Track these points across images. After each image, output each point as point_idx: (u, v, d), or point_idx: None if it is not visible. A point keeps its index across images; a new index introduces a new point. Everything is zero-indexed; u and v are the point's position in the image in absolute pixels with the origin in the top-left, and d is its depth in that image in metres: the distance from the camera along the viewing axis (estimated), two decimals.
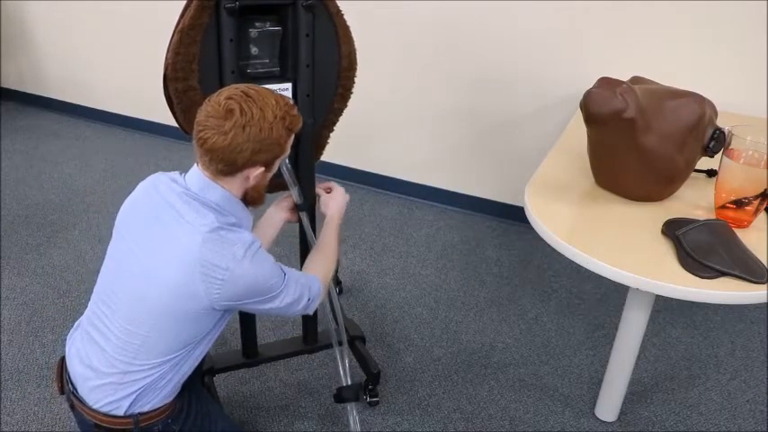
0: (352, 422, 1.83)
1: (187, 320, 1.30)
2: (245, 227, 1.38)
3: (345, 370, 1.84)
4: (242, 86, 1.30)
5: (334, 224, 1.66)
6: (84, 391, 1.36)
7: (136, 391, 1.33)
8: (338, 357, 1.85)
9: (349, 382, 1.84)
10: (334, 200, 1.69)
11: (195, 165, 1.35)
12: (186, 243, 1.25)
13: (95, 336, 1.36)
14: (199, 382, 1.54)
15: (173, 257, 1.26)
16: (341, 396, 1.83)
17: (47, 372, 2.09)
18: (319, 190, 1.73)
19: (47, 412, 1.95)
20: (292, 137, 1.35)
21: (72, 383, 1.39)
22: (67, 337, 1.45)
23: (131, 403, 1.33)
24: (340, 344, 1.86)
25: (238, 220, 1.35)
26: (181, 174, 1.38)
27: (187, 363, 1.38)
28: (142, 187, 1.40)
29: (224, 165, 1.28)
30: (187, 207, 1.29)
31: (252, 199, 1.41)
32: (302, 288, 1.40)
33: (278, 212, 1.71)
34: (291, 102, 1.34)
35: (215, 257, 1.24)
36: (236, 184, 1.33)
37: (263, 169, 1.32)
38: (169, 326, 1.30)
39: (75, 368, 1.38)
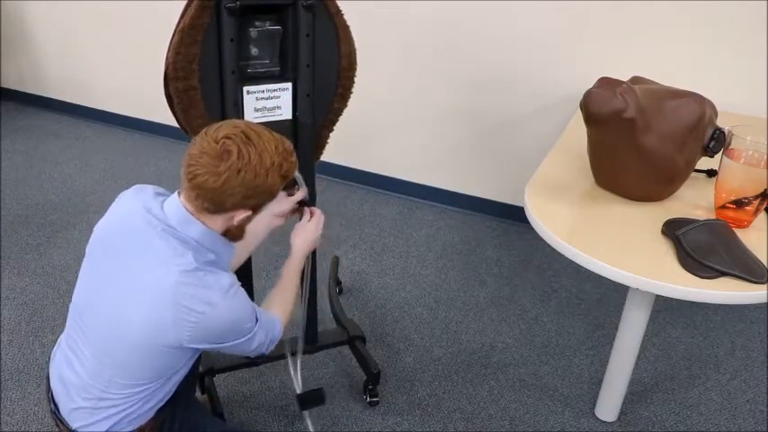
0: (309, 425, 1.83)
1: (158, 356, 1.26)
2: (225, 260, 1.33)
3: (298, 379, 1.82)
4: (242, 125, 1.22)
5: (297, 260, 1.56)
6: (64, 411, 1.35)
7: (112, 415, 1.31)
8: (290, 366, 1.82)
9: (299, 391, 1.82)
10: (304, 232, 1.58)
11: (176, 194, 1.28)
12: (160, 283, 1.20)
13: (72, 359, 1.34)
14: (187, 390, 1.51)
15: (145, 295, 1.21)
16: (305, 402, 1.81)
17: (47, 372, 2.09)
18: (305, 213, 1.63)
19: (47, 412, 1.95)
20: (285, 183, 1.29)
21: (54, 402, 1.38)
22: (51, 355, 1.43)
23: (111, 426, 1.32)
24: (293, 354, 1.83)
25: (218, 256, 1.30)
26: (159, 196, 1.32)
27: (164, 390, 1.36)
28: (118, 213, 1.33)
29: (210, 204, 1.22)
30: (164, 244, 1.22)
31: (233, 236, 1.34)
32: (267, 333, 1.37)
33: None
34: (291, 147, 1.27)
35: (189, 301, 1.19)
36: (218, 223, 1.27)
37: (249, 213, 1.27)
38: (141, 360, 1.26)
39: (56, 388, 1.37)
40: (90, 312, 1.31)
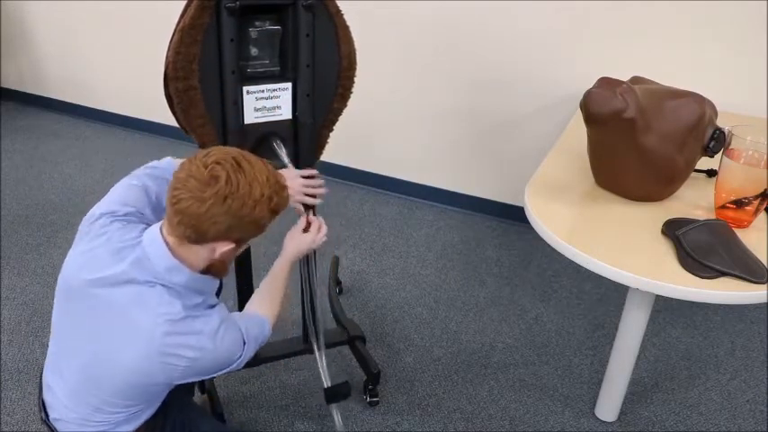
0: (337, 420, 1.83)
1: (145, 392, 1.27)
2: (209, 293, 1.28)
3: (324, 372, 1.82)
4: (235, 152, 1.16)
5: (286, 263, 1.52)
6: (54, 420, 1.35)
7: (101, 429, 1.31)
8: (318, 360, 1.82)
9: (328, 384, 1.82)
10: (298, 239, 1.54)
11: (158, 228, 1.21)
12: (147, 332, 1.15)
13: (58, 377, 1.33)
14: (182, 392, 1.51)
15: (131, 343, 1.17)
16: (332, 396, 1.82)
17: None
18: (302, 219, 1.59)
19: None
20: (274, 219, 1.22)
21: (45, 411, 1.37)
22: (44, 365, 1.41)
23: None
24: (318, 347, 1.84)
25: (205, 295, 1.26)
26: (129, 225, 1.26)
27: (150, 409, 1.36)
28: (90, 259, 1.24)
29: (192, 232, 1.14)
30: (151, 292, 1.17)
31: (216, 270, 1.27)
32: (256, 337, 1.36)
33: None
34: (284, 182, 1.22)
35: (178, 349, 1.17)
36: (201, 254, 1.20)
37: (233, 246, 1.20)
38: (128, 394, 1.26)
39: (47, 399, 1.36)
40: (67, 359, 1.29)
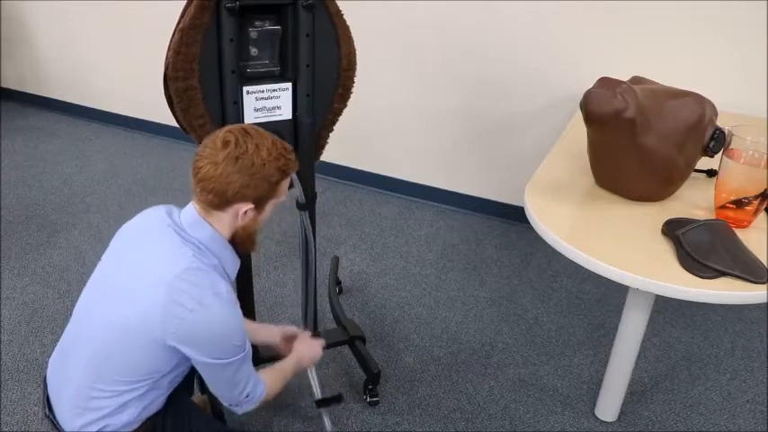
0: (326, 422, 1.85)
1: (145, 352, 1.28)
2: (228, 270, 1.38)
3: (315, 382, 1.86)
4: (245, 125, 1.32)
5: (297, 365, 1.63)
6: (57, 413, 1.37)
7: (103, 417, 1.32)
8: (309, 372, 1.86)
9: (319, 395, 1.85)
10: (311, 348, 1.70)
11: (190, 204, 1.36)
12: (161, 276, 1.25)
13: (67, 359, 1.36)
14: (181, 393, 1.51)
15: (145, 288, 1.25)
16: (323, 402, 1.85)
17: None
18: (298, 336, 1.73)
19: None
20: (287, 180, 1.35)
21: (50, 405, 1.39)
22: (49, 359, 1.45)
23: (100, 429, 1.33)
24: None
25: (221, 262, 1.35)
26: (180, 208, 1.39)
27: (152, 394, 1.37)
28: (140, 218, 1.41)
29: (214, 196, 1.28)
30: (169, 242, 1.30)
31: (241, 240, 1.39)
32: (249, 380, 1.39)
33: (273, 336, 1.74)
34: (291, 148, 1.35)
35: (181, 296, 1.23)
36: (226, 221, 1.33)
37: (252, 206, 1.31)
38: (128, 352, 1.28)
39: (51, 391, 1.39)
40: (93, 307, 1.35)
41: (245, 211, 1.31)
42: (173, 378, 1.39)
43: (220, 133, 1.29)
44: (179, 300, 1.23)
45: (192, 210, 1.34)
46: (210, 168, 1.26)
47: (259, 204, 1.32)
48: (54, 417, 1.37)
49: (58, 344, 1.44)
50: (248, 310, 1.88)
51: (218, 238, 1.33)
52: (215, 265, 1.33)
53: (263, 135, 1.30)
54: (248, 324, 1.71)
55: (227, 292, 1.29)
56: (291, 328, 1.77)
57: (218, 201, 1.28)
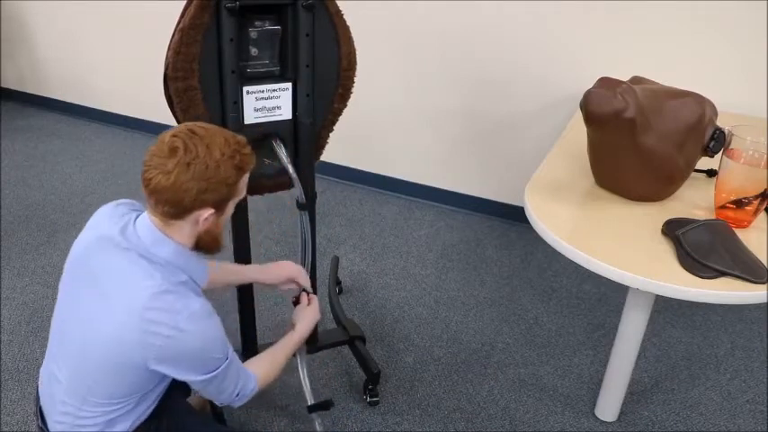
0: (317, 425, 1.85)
1: (126, 375, 1.26)
2: (199, 281, 1.32)
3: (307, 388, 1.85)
4: (189, 124, 1.23)
5: (299, 338, 1.60)
6: (50, 424, 1.36)
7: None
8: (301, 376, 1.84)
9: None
10: (306, 316, 1.65)
11: (145, 214, 1.28)
12: (129, 304, 1.19)
13: (55, 374, 1.34)
14: (177, 395, 1.50)
15: (114, 316, 1.20)
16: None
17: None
18: (303, 297, 1.70)
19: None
20: (245, 177, 1.27)
21: (42, 417, 1.38)
22: (41, 370, 1.43)
23: None
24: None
25: (190, 275, 1.28)
26: (135, 212, 1.32)
27: (142, 406, 1.36)
28: (93, 232, 1.31)
29: (170, 207, 1.20)
30: (135, 267, 1.22)
31: (206, 245, 1.30)
32: (238, 381, 1.36)
33: (267, 276, 1.69)
34: (244, 140, 1.26)
35: (155, 326, 1.18)
36: (186, 230, 1.25)
37: (212, 211, 1.23)
38: (109, 379, 1.26)
39: (44, 401, 1.37)
40: (65, 330, 1.31)
41: (206, 217, 1.23)
42: (160, 390, 1.38)
43: (166, 138, 1.19)
44: (154, 330, 1.18)
45: (149, 224, 1.25)
46: (162, 179, 1.16)
47: (219, 207, 1.25)
48: (47, 429, 1.37)
49: (46, 357, 1.41)
50: (248, 309, 1.88)
51: (181, 251, 1.26)
52: (184, 281, 1.26)
53: (213, 132, 1.21)
54: (238, 267, 1.68)
55: (201, 306, 1.23)
56: (292, 279, 1.71)
57: (174, 211, 1.21)
